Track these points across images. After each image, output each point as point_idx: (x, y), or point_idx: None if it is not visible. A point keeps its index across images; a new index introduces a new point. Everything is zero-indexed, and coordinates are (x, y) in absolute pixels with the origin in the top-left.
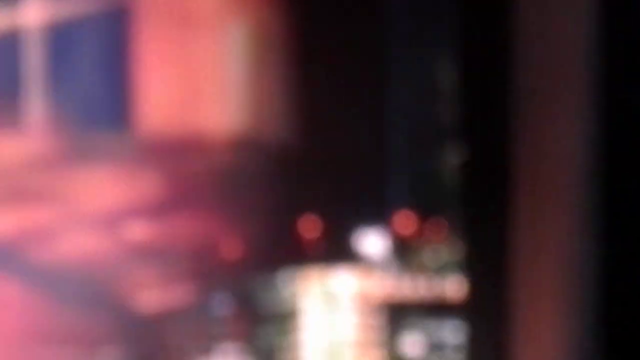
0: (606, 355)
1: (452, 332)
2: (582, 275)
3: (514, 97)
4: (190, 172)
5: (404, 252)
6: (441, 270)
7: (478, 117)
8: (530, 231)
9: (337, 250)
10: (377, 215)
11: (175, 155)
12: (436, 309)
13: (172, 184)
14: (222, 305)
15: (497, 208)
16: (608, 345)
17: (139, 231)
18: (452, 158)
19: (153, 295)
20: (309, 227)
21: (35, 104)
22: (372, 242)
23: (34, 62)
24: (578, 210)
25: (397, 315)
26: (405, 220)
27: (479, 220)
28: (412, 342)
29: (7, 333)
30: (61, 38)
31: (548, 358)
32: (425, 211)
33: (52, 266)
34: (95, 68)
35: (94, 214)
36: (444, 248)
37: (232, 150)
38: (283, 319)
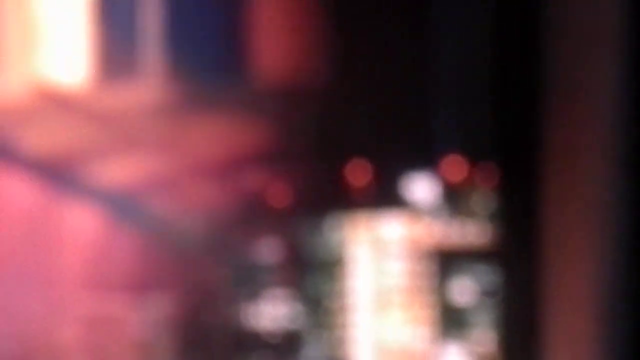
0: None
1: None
2: (614, 221)
3: (548, 47)
4: (289, 122)
5: (453, 198)
6: (490, 216)
7: (511, 69)
8: (562, 178)
9: (385, 196)
10: (426, 160)
11: (283, 105)
12: (485, 255)
13: (275, 134)
14: (270, 252)
15: (530, 156)
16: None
17: (243, 180)
18: (500, 102)
19: (204, 242)
20: (358, 173)
21: (153, 54)
22: (421, 187)
23: (152, 12)
24: (611, 159)
25: (446, 261)
26: (454, 166)
27: (513, 168)
28: (461, 288)
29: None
30: None
31: (581, 301)
32: (475, 156)
33: (163, 212)
34: (211, 19)
35: (208, 163)
36: (493, 194)
37: (309, 100)
38: (331, 266)
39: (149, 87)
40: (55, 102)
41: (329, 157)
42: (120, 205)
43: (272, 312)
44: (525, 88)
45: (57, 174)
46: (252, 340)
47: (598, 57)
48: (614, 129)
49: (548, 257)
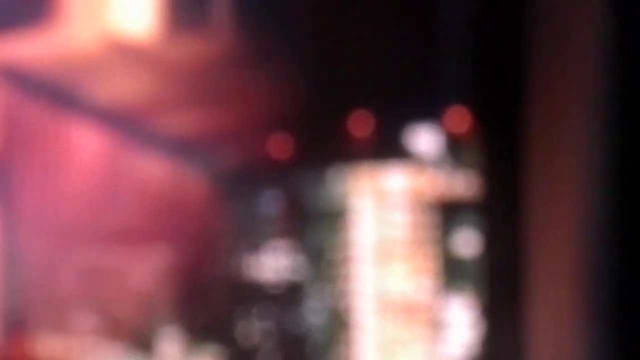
0: (621, 252)
1: None
2: (597, 177)
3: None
4: (294, 75)
5: (457, 149)
6: (490, 167)
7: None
8: (549, 131)
9: (388, 148)
10: (429, 112)
11: (292, 58)
12: (487, 207)
13: (280, 86)
14: (271, 203)
15: (515, 107)
16: (623, 244)
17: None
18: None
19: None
20: (360, 124)
21: (221, 6)
22: (424, 139)
23: None
24: (593, 110)
25: (449, 213)
26: (458, 117)
27: (498, 119)
28: (464, 240)
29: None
30: None
31: (566, 252)
32: (478, 108)
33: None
34: None
35: (252, 116)
36: (485, 145)
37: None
38: (333, 217)
39: (216, 39)
40: (124, 53)
41: (332, 109)
42: (181, 156)
43: (274, 264)
44: (518, 44)
45: (125, 124)
46: (254, 292)
47: (584, 10)
48: (599, 86)
49: (533, 209)
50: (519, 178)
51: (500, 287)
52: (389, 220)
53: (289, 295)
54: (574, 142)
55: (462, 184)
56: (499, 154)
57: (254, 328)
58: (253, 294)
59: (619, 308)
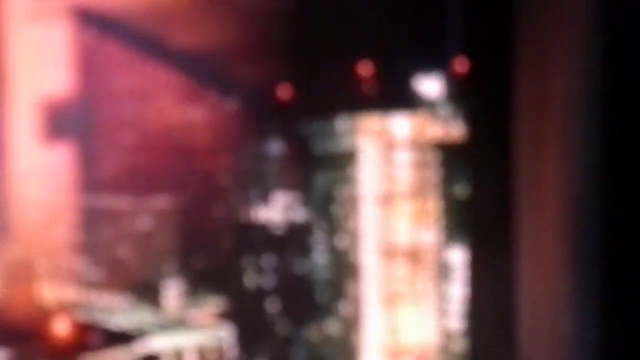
0: (608, 198)
1: None
2: (585, 124)
3: None
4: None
5: (457, 95)
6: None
7: None
8: (537, 77)
9: (394, 94)
10: (435, 59)
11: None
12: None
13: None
14: (280, 147)
15: (509, 58)
16: (610, 190)
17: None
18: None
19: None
20: (366, 71)
21: None
22: (430, 86)
23: None
24: (580, 58)
25: (454, 157)
26: (458, 66)
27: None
28: (464, 183)
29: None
30: None
31: (554, 200)
32: (477, 56)
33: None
34: None
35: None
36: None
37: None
38: (340, 163)
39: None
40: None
41: (341, 55)
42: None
43: (280, 205)
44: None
45: (200, 68)
46: (261, 235)
47: None
48: (587, 36)
49: (524, 154)
50: (512, 123)
51: (492, 229)
52: (394, 164)
53: (295, 238)
54: (562, 89)
55: (461, 128)
56: (494, 101)
57: (261, 271)
58: (260, 237)
59: (604, 249)
